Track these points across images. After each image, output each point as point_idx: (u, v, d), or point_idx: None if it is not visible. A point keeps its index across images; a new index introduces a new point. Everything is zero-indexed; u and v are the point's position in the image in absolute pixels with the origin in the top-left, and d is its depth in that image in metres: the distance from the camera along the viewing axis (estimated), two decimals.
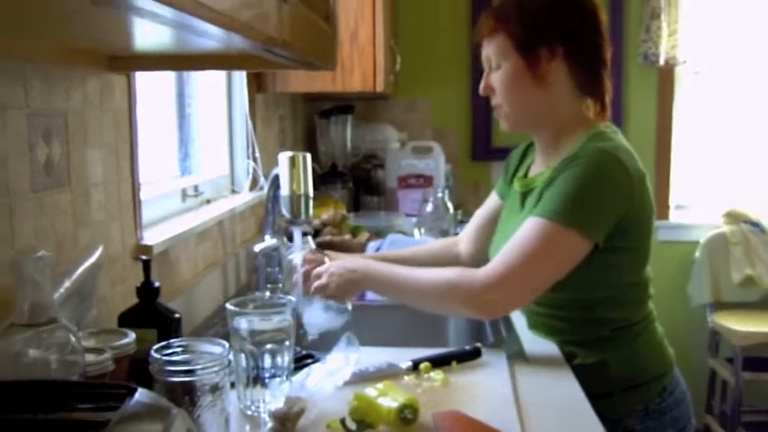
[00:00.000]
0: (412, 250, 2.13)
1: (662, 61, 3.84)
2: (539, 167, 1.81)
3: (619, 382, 1.68)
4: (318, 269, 1.75)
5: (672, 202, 4.09)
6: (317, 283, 1.72)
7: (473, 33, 1.80)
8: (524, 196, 1.79)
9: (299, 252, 1.82)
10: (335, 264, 1.74)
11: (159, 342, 1.26)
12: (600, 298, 1.69)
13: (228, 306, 1.37)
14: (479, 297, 1.60)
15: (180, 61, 1.59)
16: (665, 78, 3.99)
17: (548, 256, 1.59)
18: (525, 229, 1.61)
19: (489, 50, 1.75)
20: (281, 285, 2.18)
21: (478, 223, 2.06)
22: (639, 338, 1.72)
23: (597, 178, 1.60)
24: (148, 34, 1.13)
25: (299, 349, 1.59)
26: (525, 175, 1.85)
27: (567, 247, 1.59)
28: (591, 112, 1.77)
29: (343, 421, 1.28)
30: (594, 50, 1.73)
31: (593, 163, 1.60)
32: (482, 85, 1.79)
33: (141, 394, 0.77)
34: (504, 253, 1.61)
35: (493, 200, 2.04)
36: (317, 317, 1.71)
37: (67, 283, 1.23)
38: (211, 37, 1.02)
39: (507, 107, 1.75)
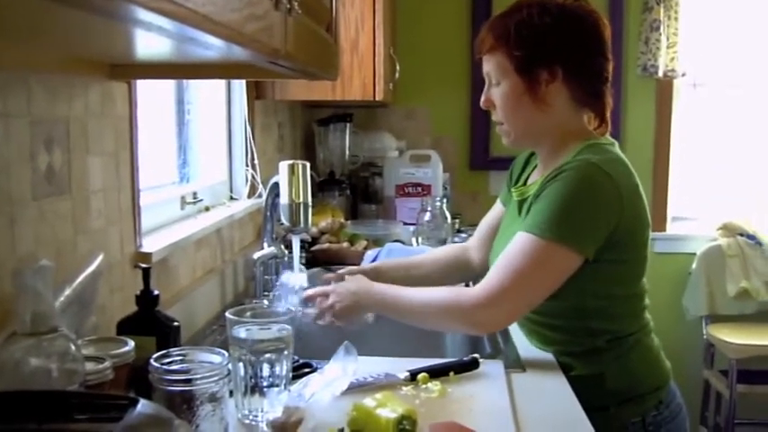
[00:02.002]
0: (424, 257, 2.15)
1: (660, 73, 3.85)
2: (536, 177, 1.82)
3: (615, 395, 1.68)
4: (324, 289, 1.77)
5: (669, 213, 4.09)
6: (323, 305, 1.75)
7: (474, 46, 1.80)
8: (521, 204, 1.80)
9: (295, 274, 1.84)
10: (339, 286, 1.77)
11: (158, 350, 1.27)
12: (593, 308, 1.69)
13: (228, 315, 1.38)
14: (475, 315, 1.62)
15: (181, 70, 1.60)
16: (663, 90, 4.00)
17: (538, 272, 1.60)
18: (515, 245, 1.62)
19: (489, 67, 1.75)
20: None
21: (485, 231, 2.07)
22: (634, 350, 1.72)
23: (583, 191, 1.61)
24: (151, 44, 1.14)
25: (297, 358, 1.60)
26: (524, 184, 1.86)
27: (556, 261, 1.60)
28: (591, 125, 1.78)
29: None
30: (595, 67, 1.72)
31: (578, 176, 1.61)
32: (483, 99, 1.79)
33: (143, 405, 0.77)
34: (496, 269, 1.62)
35: (497, 207, 2.05)
36: None
37: (68, 291, 1.24)
38: (215, 49, 1.02)
39: (507, 125, 1.76)
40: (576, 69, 1.70)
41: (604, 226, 1.61)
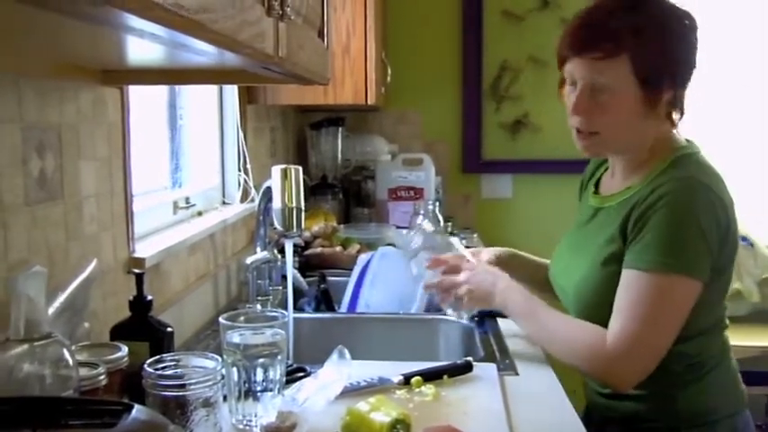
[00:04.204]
0: (542, 264, 1.99)
1: None
2: (617, 185, 1.71)
3: (687, 419, 1.61)
4: (457, 278, 1.80)
5: None
6: (457, 294, 1.80)
7: (565, 46, 1.61)
8: (597, 211, 1.72)
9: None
10: (474, 276, 1.79)
11: (151, 355, 1.27)
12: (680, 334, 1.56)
13: (221, 320, 1.38)
14: (615, 372, 1.55)
15: (173, 75, 1.59)
16: None
17: (665, 309, 1.51)
18: (634, 288, 1.52)
19: (595, 72, 1.57)
20: (270, 298, 2.18)
21: None
22: (712, 373, 1.63)
23: (692, 214, 1.51)
24: (143, 51, 1.14)
25: (290, 362, 1.60)
26: (596, 188, 1.79)
27: (680, 294, 1.52)
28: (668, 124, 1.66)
29: None
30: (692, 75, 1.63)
31: (681, 198, 1.52)
32: (582, 107, 1.60)
33: (138, 411, 0.77)
34: (624, 319, 1.52)
35: None
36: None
37: (61, 298, 1.23)
38: (208, 55, 1.02)
39: (607, 135, 1.62)
40: (687, 79, 1.62)
41: (713, 242, 1.53)
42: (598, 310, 1.59)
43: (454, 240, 2.03)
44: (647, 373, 1.54)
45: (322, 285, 2.43)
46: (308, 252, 2.79)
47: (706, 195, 1.54)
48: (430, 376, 1.58)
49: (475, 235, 3.57)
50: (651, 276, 1.51)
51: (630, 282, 1.53)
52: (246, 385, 1.35)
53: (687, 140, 1.68)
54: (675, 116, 1.64)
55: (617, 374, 1.56)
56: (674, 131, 1.67)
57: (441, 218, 3.01)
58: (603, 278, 1.60)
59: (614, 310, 1.54)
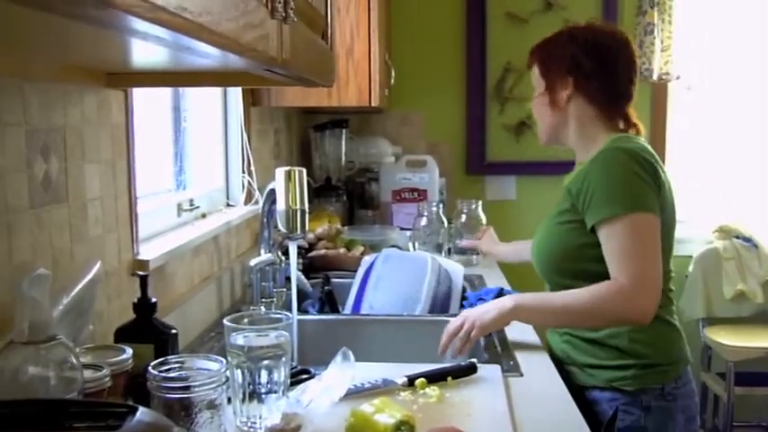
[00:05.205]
0: None
1: (655, 77, 3.86)
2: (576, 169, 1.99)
3: (638, 358, 1.82)
4: (454, 326, 1.86)
5: None
6: (461, 341, 1.84)
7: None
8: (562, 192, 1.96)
9: None
10: (472, 311, 1.87)
11: (156, 358, 1.27)
12: None
13: (226, 322, 1.38)
14: (637, 308, 1.73)
15: (177, 78, 1.60)
16: (658, 93, 4.01)
17: (642, 245, 1.74)
18: (607, 239, 1.77)
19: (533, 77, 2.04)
20: (274, 300, 2.18)
21: None
22: (660, 324, 1.83)
23: (617, 164, 1.79)
24: (147, 53, 1.14)
25: (294, 364, 1.60)
26: None
27: (644, 227, 1.75)
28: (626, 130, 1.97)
29: None
30: (607, 82, 1.92)
31: (608, 160, 1.80)
32: None
33: (142, 413, 0.77)
34: (621, 264, 1.74)
35: None
36: None
37: (66, 300, 1.24)
38: (212, 57, 1.03)
39: (540, 125, 2.05)
40: (585, 82, 1.92)
41: (652, 183, 1.77)
42: (561, 262, 1.90)
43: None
44: (659, 298, 1.75)
45: (326, 287, 2.43)
46: (311, 254, 2.79)
47: (627, 152, 1.80)
48: (434, 378, 1.58)
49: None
50: (612, 225, 1.75)
51: (602, 236, 1.78)
52: (251, 387, 1.35)
53: (637, 136, 1.94)
54: (605, 112, 1.94)
55: (642, 307, 1.72)
56: (619, 125, 1.96)
57: (445, 219, 3.01)
58: (557, 230, 1.89)
59: (609, 264, 1.76)
